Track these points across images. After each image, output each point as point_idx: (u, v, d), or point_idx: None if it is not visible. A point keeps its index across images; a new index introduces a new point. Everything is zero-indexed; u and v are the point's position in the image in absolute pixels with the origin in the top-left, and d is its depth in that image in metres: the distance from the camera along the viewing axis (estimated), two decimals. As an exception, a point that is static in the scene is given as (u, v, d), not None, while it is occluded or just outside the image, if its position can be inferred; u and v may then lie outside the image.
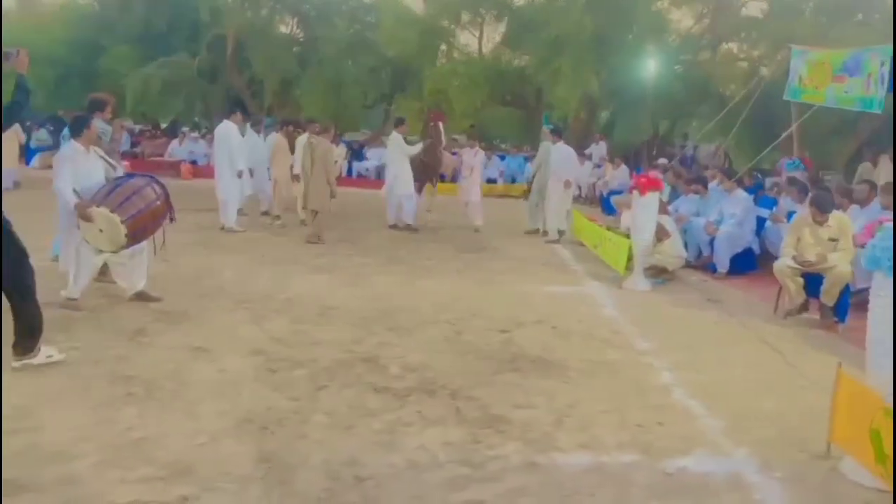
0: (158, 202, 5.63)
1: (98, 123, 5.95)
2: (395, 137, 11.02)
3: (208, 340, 4.92)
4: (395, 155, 10.88)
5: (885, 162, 9.85)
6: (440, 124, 11.28)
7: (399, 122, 11.43)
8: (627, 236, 7.86)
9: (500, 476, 3.19)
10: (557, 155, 10.59)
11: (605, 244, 8.67)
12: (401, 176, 10.74)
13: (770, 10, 19.96)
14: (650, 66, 17.28)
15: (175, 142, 20.82)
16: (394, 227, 10.87)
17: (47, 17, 23.68)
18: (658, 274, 7.84)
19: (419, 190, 11.40)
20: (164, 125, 24.83)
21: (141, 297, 5.85)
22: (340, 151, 18.28)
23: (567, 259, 9.20)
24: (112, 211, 5.26)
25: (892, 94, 7.90)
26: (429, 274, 7.70)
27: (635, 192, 7.46)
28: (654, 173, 7.74)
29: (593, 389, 4.34)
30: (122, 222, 5.27)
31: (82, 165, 5.50)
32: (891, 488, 2.97)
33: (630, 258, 7.59)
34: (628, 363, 4.90)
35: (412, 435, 3.57)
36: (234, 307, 5.88)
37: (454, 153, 13.74)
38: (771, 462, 3.42)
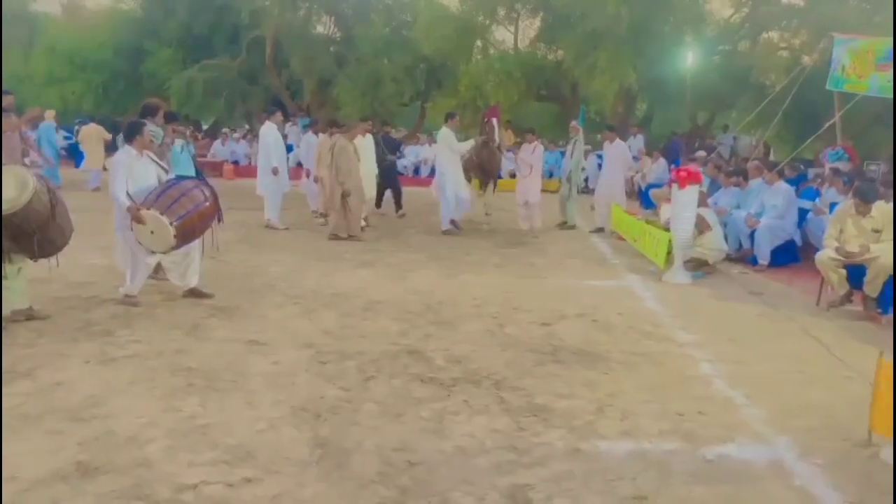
0: (207, 203, 5.82)
1: (150, 127, 6.21)
2: (445, 133, 10.19)
3: (261, 334, 5.14)
4: (444, 152, 10.26)
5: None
6: (494, 121, 10.50)
7: (449, 117, 10.59)
8: (667, 230, 7.89)
9: (546, 461, 3.32)
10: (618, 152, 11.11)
11: (645, 238, 8.70)
12: (450, 175, 10.14)
13: (811, -5, 19.57)
14: (688, 58, 17.13)
15: (217, 142, 21.31)
16: (453, 224, 10.37)
17: (92, 22, 24.47)
18: (698, 267, 7.86)
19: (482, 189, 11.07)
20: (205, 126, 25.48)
21: (194, 293, 6.10)
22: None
23: (606, 253, 9.25)
24: (162, 213, 5.47)
25: None
26: (469, 269, 7.83)
27: (675, 186, 7.48)
28: (693, 166, 7.75)
29: (634, 380, 4.43)
30: (171, 224, 5.46)
31: (136, 169, 5.76)
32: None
33: (670, 251, 7.62)
34: (669, 355, 4.97)
35: (459, 423, 3.72)
36: (283, 302, 6.11)
37: (510, 151, 13.38)
38: (812, 450, 3.48)
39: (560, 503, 2.96)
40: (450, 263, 8.10)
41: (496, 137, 10.38)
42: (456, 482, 3.10)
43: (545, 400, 4.03)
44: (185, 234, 5.65)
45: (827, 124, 10.22)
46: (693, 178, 7.34)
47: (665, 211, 8.72)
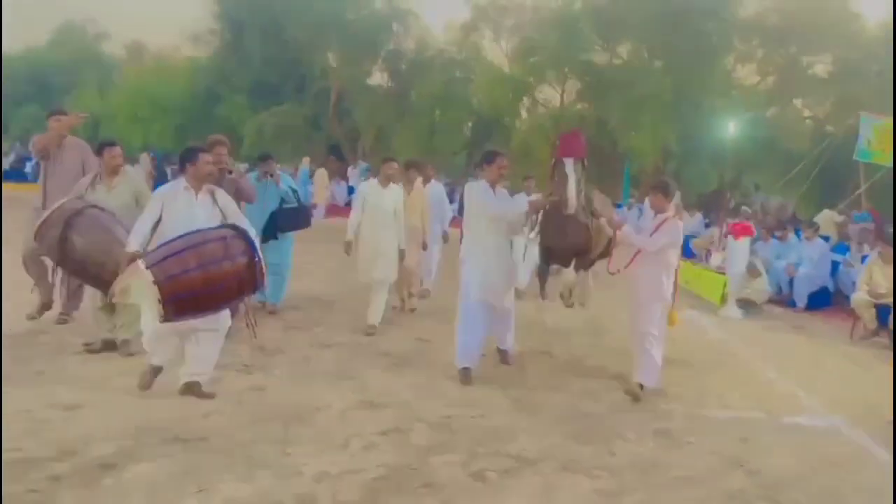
0: (224, 263, 4.16)
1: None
2: (476, 189, 5.48)
3: (426, 335, 6.63)
4: (474, 221, 5.51)
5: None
6: (569, 161, 5.27)
7: (486, 160, 5.53)
8: (720, 273, 9.40)
9: (673, 418, 4.82)
10: None
11: (698, 280, 10.21)
12: (480, 269, 5.39)
13: (835, 70, 21.40)
14: (722, 122, 18.87)
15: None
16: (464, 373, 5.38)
17: (169, 69, 26.73)
18: (746, 306, 9.33)
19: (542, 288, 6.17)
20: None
21: (190, 390, 4.55)
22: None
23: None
24: (148, 266, 4.03)
25: None
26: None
27: (730, 237, 9.03)
28: (745, 221, 9.29)
29: (721, 378, 5.92)
30: (155, 282, 3.97)
31: (180, 205, 4.52)
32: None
33: (724, 291, 9.11)
34: (741, 365, 6.48)
35: (605, 396, 5.22)
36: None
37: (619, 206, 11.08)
38: (858, 424, 4.94)
39: (692, 438, 4.45)
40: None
41: (569, 194, 5.19)
42: (620, 425, 4.61)
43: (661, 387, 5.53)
44: (182, 302, 4.05)
45: (858, 191, 11.78)
46: (746, 231, 8.90)
47: (716, 258, 10.29)
